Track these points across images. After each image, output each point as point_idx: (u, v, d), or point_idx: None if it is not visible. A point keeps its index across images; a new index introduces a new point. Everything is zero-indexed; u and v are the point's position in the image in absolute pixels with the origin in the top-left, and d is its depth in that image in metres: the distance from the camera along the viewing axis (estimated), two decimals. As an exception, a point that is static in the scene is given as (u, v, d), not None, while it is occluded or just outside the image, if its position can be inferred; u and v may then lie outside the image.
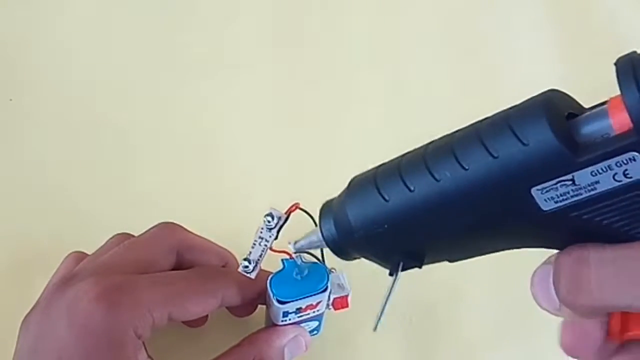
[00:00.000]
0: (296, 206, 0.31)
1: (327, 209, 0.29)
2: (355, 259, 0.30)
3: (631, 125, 0.19)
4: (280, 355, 0.35)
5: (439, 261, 0.27)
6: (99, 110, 0.47)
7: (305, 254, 0.34)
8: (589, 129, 0.21)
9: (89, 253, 0.36)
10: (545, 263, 0.24)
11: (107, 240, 0.36)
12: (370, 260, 0.28)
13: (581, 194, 0.21)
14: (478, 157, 0.22)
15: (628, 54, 0.20)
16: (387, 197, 0.25)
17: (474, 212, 0.23)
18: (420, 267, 0.27)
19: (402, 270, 0.27)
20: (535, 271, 0.25)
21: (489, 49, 0.52)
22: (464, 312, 0.42)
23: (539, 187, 0.21)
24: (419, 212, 0.24)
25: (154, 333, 0.32)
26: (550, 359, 0.41)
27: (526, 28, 0.53)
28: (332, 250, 0.29)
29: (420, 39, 0.52)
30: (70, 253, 0.36)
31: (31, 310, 0.33)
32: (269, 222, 0.31)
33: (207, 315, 0.37)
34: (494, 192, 0.22)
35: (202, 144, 0.46)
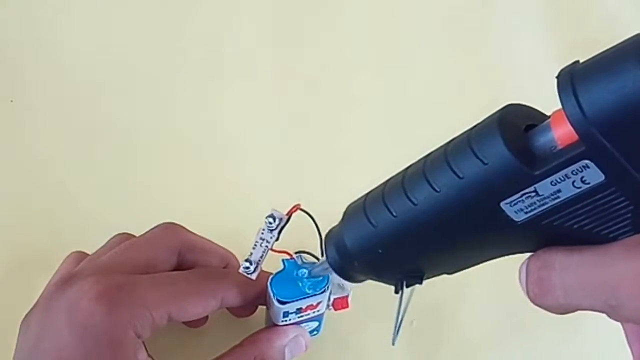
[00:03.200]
0: (297, 207, 0.31)
1: (330, 237, 0.30)
2: (362, 281, 0.31)
3: (576, 136, 0.20)
4: (281, 355, 0.35)
5: (437, 275, 0.28)
6: (100, 111, 0.47)
7: (305, 254, 0.34)
8: (541, 141, 0.22)
9: (89, 253, 0.36)
10: (526, 260, 0.25)
11: (108, 240, 0.36)
12: (375, 280, 0.30)
13: (547, 203, 0.22)
14: (447, 179, 0.23)
15: (570, 65, 0.20)
16: (375, 224, 0.26)
17: (453, 230, 0.24)
18: (420, 283, 0.28)
19: (407, 286, 0.28)
20: (520, 266, 0.25)
21: (489, 49, 0.52)
22: (466, 313, 0.42)
23: (506, 201, 0.22)
24: (404, 236, 0.26)
25: (155, 333, 0.32)
26: (552, 358, 0.41)
27: (526, 28, 0.53)
28: (340, 276, 0.30)
29: (420, 40, 0.52)
30: (71, 253, 0.37)
31: (31, 309, 0.33)
32: (270, 223, 0.31)
33: (207, 316, 0.37)
34: (467, 210, 0.23)
35: (202, 144, 0.46)
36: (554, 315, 0.25)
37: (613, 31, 0.52)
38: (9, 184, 0.44)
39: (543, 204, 0.22)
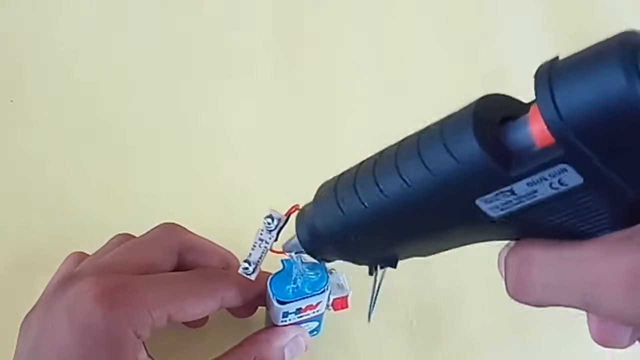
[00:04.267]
0: (296, 208, 0.31)
1: (302, 216, 0.29)
2: (333, 260, 0.31)
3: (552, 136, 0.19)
4: (281, 355, 0.35)
5: (410, 257, 0.28)
6: (100, 111, 0.47)
7: (304, 255, 0.34)
8: (517, 137, 0.21)
9: (89, 253, 0.36)
10: (506, 246, 0.25)
11: (108, 241, 0.36)
12: (347, 261, 0.30)
13: (523, 202, 0.21)
14: (418, 173, 0.22)
15: (548, 62, 0.19)
16: (345, 211, 0.26)
17: (427, 223, 0.24)
18: (394, 267, 0.28)
19: (381, 268, 0.29)
20: (498, 258, 0.25)
21: (489, 49, 0.52)
22: (465, 313, 0.42)
23: (482, 198, 0.22)
24: (375, 226, 0.25)
25: (154, 333, 0.32)
26: (551, 358, 0.41)
27: (526, 28, 0.53)
28: (310, 254, 0.30)
29: (420, 39, 0.52)
30: (71, 253, 0.36)
31: (31, 310, 0.33)
32: (268, 223, 0.31)
33: (207, 316, 0.37)
34: (441, 206, 0.23)
35: (202, 144, 0.46)
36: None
37: (613, 31, 0.52)
38: (9, 184, 0.44)
39: (520, 202, 0.21)
